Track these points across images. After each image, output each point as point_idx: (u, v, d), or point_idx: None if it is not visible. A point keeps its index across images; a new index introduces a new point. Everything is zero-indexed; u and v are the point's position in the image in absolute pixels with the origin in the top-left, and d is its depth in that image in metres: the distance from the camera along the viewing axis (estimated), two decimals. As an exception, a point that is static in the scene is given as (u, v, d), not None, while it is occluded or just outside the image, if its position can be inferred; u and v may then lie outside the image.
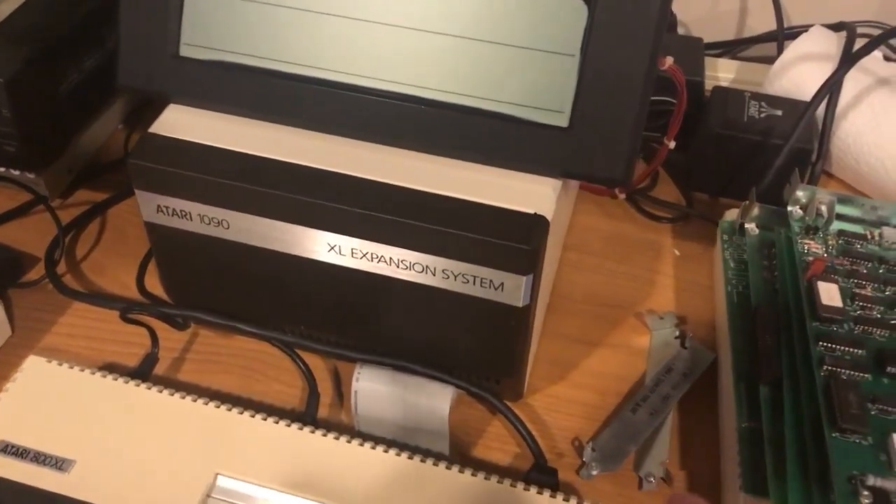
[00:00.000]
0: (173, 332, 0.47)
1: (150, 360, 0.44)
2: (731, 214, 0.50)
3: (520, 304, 0.37)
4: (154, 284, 0.49)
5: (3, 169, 0.51)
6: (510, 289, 0.37)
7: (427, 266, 0.38)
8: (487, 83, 0.37)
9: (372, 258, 0.38)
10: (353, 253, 0.38)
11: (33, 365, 0.41)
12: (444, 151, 0.38)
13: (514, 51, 0.36)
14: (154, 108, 0.59)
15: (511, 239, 0.35)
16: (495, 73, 0.37)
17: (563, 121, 0.37)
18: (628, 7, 0.35)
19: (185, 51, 0.40)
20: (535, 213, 0.36)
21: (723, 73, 0.64)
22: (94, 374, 0.41)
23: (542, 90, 0.36)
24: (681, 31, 0.68)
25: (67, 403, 0.40)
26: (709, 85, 0.62)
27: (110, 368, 0.46)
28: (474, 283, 0.37)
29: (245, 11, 0.38)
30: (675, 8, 0.66)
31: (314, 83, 0.38)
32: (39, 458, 0.37)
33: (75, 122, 0.52)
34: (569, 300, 0.51)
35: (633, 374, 0.47)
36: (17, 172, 0.52)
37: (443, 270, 0.37)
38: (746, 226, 0.47)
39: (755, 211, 0.47)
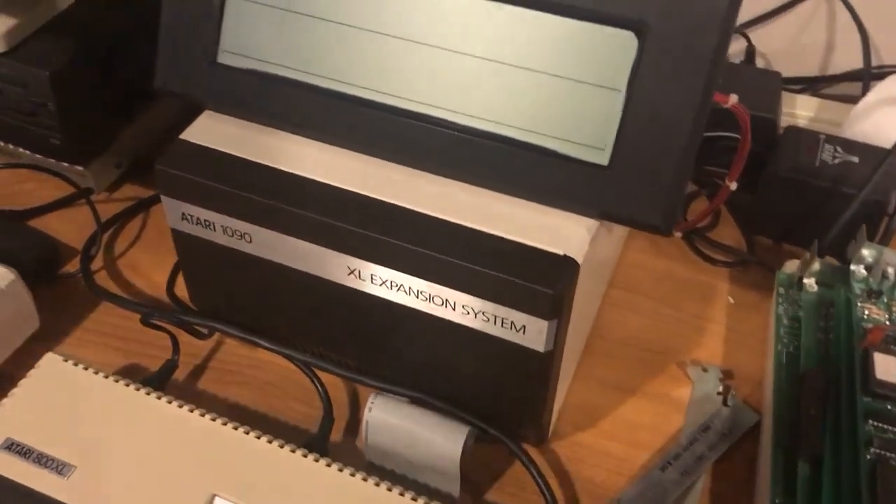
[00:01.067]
0: (196, 342, 0.46)
1: (170, 367, 0.43)
2: (791, 266, 0.46)
3: (542, 350, 0.35)
4: (184, 290, 0.49)
5: (53, 161, 0.51)
6: (532, 332, 0.35)
7: (447, 300, 0.36)
8: (527, 113, 0.35)
9: (391, 286, 0.37)
10: (372, 279, 0.37)
11: (49, 363, 0.41)
12: (478, 181, 0.36)
13: (557, 81, 0.34)
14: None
15: (536, 281, 0.33)
16: (536, 104, 0.35)
17: (603, 158, 0.34)
18: (682, 43, 0.32)
19: (223, 57, 0.39)
20: (565, 255, 0.34)
21: (801, 110, 0.60)
22: (107, 378, 0.40)
23: (584, 125, 0.34)
24: (759, 63, 0.65)
25: (77, 407, 0.39)
26: (786, 121, 0.58)
27: (130, 370, 0.45)
28: (495, 323, 0.35)
29: (287, 22, 0.37)
30: (755, 38, 0.62)
31: (351, 100, 0.37)
32: (41, 460, 0.37)
33: (124, 118, 0.52)
34: (609, 341, 0.48)
35: (668, 427, 0.44)
36: (66, 164, 0.52)
37: (463, 306, 0.35)
38: (805, 281, 0.44)
39: (815, 266, 0.44)
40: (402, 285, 0.36)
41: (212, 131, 0.39)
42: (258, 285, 0.40)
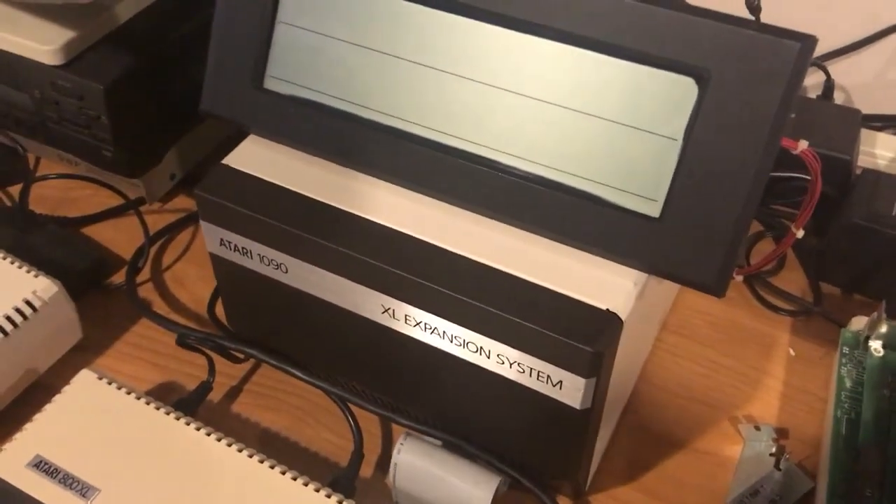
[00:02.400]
0: (231, 365, 0.45)
1: (204, 389, 0.43)
2: (858, 323, 0.43)
3: (578, 407, 0.33)
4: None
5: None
6: (569, 388, 0.33)
7: (482, 347, 0.34)
8: (578, 158, 0.33)
9: (425, 328, 0.35)
10: (406, 319, 0.35)
11: (83, 380, 0.41)
12: (522, 224, 0.35)
13: (612, 126, 0.32)
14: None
15: (575, 337, 0.31)
16: (588, 148, 0.33)
17: (655, 210, 0.32)
18: (745, 93, 0.30)
19: (269, 83, 0.38)
20: (608, 310, 0.32)
21: (882, 149, 0.57)
22: (139, 399, 0.40)
23: (637, 173, 0.32)
24: (838, 98, 0.61)
25: (107, 427, 0.39)
26: (864, 160, 0.55)
27: (166, 388, 0.45)
28: (531, 375, 0.34)
29: (335, 50, 0.36)
30: (835, 73, 0.59)
31: (396, 134, 0.36)
32: (67, 481, 0.37)
33: (177, 131, 0.52)
34: (658, 389, 0.46)
35: (715, 487, 0.42)
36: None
37: (498, 355, 0.34)
38: (871, 343, 0.41)
39: (883, 328, 0.41)
40: (436, 328, 0.35)
41: (254, 157, 0.38)
42: (293, 315, 0.40)
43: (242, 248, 0.38)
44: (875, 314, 0.41)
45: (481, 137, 0.34)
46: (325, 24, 0.36)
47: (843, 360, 0.41)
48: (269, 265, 0.38)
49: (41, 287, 0.43)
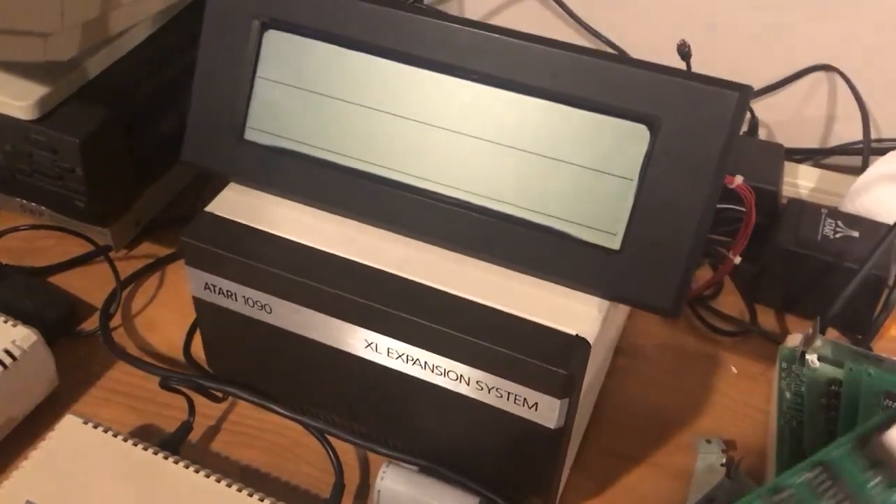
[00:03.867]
0: (211, 404, 0.47)
1: (185, 428, 0.44)
2: (793, 340, 0.47)
3: (552, 427, 0.36)
4: (200, 349, 0.50)
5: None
6: (544, 410, 0.36)
7: (461, 375, 0.37)
8: (542, 197, 0.36)
9: (407, 360, 0.38)
10: (388, 352, 0.38)
11: (69, 425, 0.42)
12: (493, 259, 0.37)
13: (572, 168, 0.36)
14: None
15: (549, 361, 0.34)
16: (551, 188, 0.36)
17: (614, 243, 0.35)
18: (693, 137, 0.34)
19: (249, 134, 0.40)
20: (577, 335, 0.35)
21: (803, 180, 0.62)
22: (126, 441, 0.41)
23: (597, 210, 0.36)
24: (762, 133, 0.66)
25: (96, 470, 0.40)
26: (787, 191, 0.60)
27: (145, 431, 0.46)
28: (507, 399, 0.36)
29: (312, 102, 0.39)
30: (758, 110, 0.64)
31: (371, 179, 0.38)
32: (60, 525, 0.38)
33: (146, 179, 0.53)
34: (614, 410, 0.49)
35: (674, 498, 0.45)
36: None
37: (477, 381, 0.37)
38: (808, 357, 0.45)
39: (818, 342, 0.45)
40: (417, 359, 0.37)
41: (236, 204, 0.40)
42: (276, 353, 0.41)
43: (227, 291, 0.40)
44: (810, 331, 0.45)
45: (452, 180, 0.37)
46: (301, 79, 0.39)
47: (783, 374, 0.45)
48: (253, 306, 0.40)
49: (20, 336, 0.44)
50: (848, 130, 0.64)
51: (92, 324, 0.52)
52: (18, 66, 0.46)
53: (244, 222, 0.39)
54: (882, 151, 0.58)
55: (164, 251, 0.56)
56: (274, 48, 0.39)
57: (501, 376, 0.36)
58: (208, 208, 0.40)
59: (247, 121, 0.40)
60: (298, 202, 0.40)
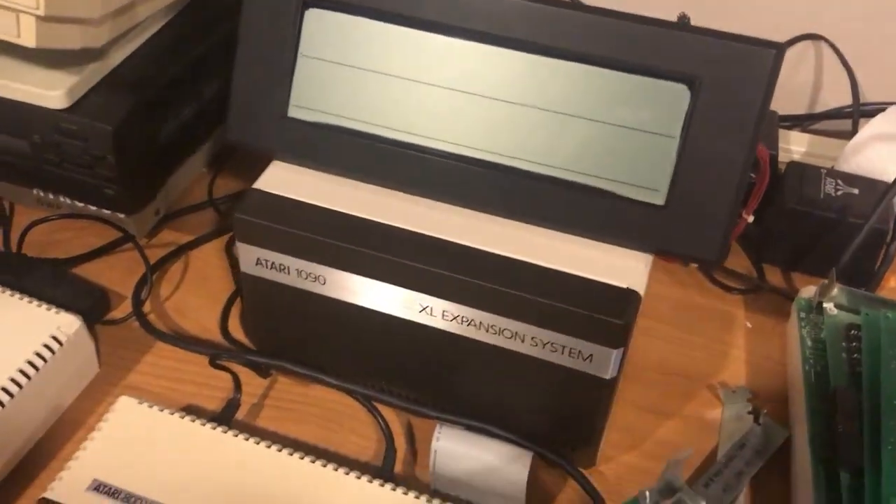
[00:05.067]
0: (253, 377, 0.48)
1: (233, 405, 0.45)
2: (808, 292, 0.50)
3: (607, 377, 0.38)
4: (234, 328, 0.51)
5: (94, 208, 0.53)
6: (599, 361, 0.38)
7: (517, 332, 0.38)
8: (589, 159, 0.38)
9: (462, 321, 0.39)
10: (444, 315, 0.39)
11: (124, 405, 0.42)
12: (541, 222, 0.39)
13: (617, 129, 0.37)
14: (236, 153, 0.61)
15: (604, 312, 0.36)
16: (597, 150, 0.38)
17: (659, 199, 0.37)
18: (733, 94, 0.36)
19: (293, 112, 0.41)
20: (628, 288, 0.37)
21: (794, 145, 0.64)
22: (182, 417, 0.42)
23: (642, 169, 0.37)
24: (754, 102, 0.69)
25: (157, 445, 0.41)
26: (781, 156, 0.62)
27: (191, 410, 0.47)
28: (563, 353, 0.38)
29: (354, 78, 0.40)
30: (749, 80, 0.66)
31: (417, 150, 0.40)
32: (130, 500, 0.38)
33: (169, 167, 0.54)
34: (640, 368, 0.51)
35: (704, 447, 0.47)
36: (106, 212, 0.53)
37: (532, 338, 0.38)
38: (825, 305, 0.48)
39: (834, 291, 0.48)
40: (472, 320, 0.39)
41: (283, 180, 0.41)
42: (327, 325, 0.43)
43: (280, 265, 0.41)
44: (824, 282, 0.48)
45: (500, 147, 0.39)
46: (343, 55, 0.40)
47: (802, 324, 0.48)
48: (306, 278, 0.41)
49: (65, 322, 0.45)
50: (833, 96, 0.67)
51: (122, 311, 0.52)
52: (45, 55, 0.47)
53: (294, 197, 0.40)
54: (870, 114, 0.61)
55: (184, 238, 0.57)
56: (315, 26, 0.40)
57: (558, 331, 0.37)
58: (256, 185, 0.41)
59: (290, 98, 0.41)
60: (345, 176, 0.41)
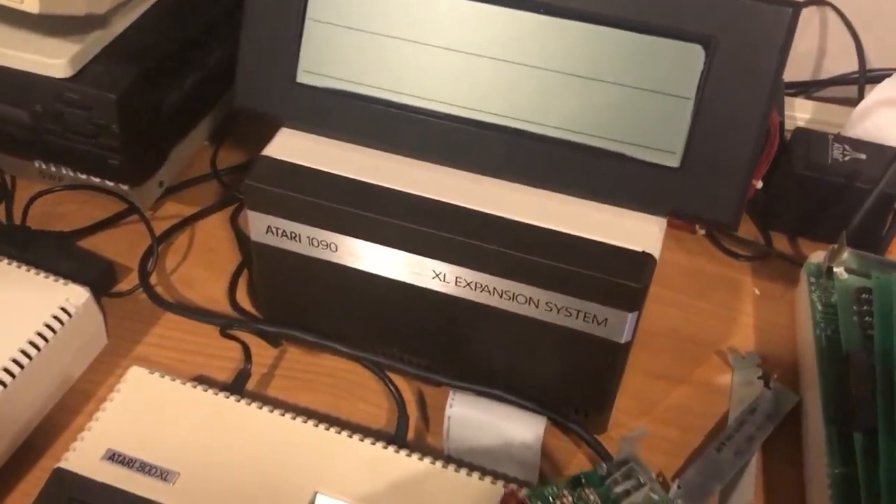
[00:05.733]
0: (262, 348, 0.48)
1: (244, 375, 0.45)
2: (817, 257, 0.50)
3: (622, 341, 0.38)
4: (242, 299, 0.51)
5: (97, 180, 0.52)
6: (614, 325, 0.37)
7: (530, 298, 0.38)
8: (602, 122, 0.38)
9: (475, 287, 0.39)
10: (457, 281, 0.39)
11: (136, 375, 0.42)
12: (555, 186, 0.39)
13: (631, 91, 0.37)
14: (239, 126, 0.61)
15: (620, 276, 0.36)
16: (611, 112, 0.37)
17: (674, 161, 0.37)
18: (748, 54, 0.35)
19: (302, 77, 0.41)
20: (643, 251, 0.37)
21: (799, 112, 0.64)
22: (194, 387, 0.42)
23: (656, 130, 0.37)
24: (759, 69, 0.68)
25: (170, 415, 0.40)
26: (787, 123, 0.62)
27: (201, 381, 0.47)
28: (577, 317, 0.38)
29: (363, 42, 0.39)
30: (754, 47, 0.66)
31: (429, 114, 0.39)
32: (145, 469, 0.38)
33: (173, 138, 0.53)
34: (650, 335, 0.51)
35: (715, 412, 0.47)
36: (110, 184, 0.53)
37: (546, 303, 0.38)
38: (835, 269, 0.48)
39: (845, 255, 0.47)
40: (486, 286, 0.39)
41: (293, 147, 0.41)
42: (338, 293, 0.42)
43: (291, 232, 0.40)
44: (836, 245, 0.48)
45: (513, 111, 0.38)
46: (351, 18, 0.39)
47: (812, 288, 0.48)
48: (318, 246, 0.40)
49: (73, 294, 0.44)
50: (839, 63, 0.67)
51: (128, 284, 0.52)
52: (47, 23, 0.46)
53: (304, 164, 0.40)
54: (877, 80, 0.61)
55: (188, 210, 0.56)
56: (323, -10, 0.39)
57: (572, 295, 0.37)
58: (266, 152, 0.41)
59: (299, 63, 0.40)
60: (355, 143, 0.41)
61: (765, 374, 0.48)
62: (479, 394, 0.42)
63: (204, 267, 0.53)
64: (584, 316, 0.38)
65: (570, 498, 0.33)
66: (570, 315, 0.38)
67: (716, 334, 0.51)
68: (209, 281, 0.52)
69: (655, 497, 0.33)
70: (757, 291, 0.54)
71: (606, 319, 0.37)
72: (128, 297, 0.51)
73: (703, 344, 0.51)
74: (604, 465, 0.34)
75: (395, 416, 0.45)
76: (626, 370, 0.48)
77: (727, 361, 0.49)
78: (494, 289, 0.38)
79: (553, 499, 0.33)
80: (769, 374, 0.48)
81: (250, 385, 0.47)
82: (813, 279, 0.48)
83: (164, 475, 0.38)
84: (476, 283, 0.39)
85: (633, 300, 0.36)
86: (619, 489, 0.33)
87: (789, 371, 0.49)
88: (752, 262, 0.56)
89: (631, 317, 0.37)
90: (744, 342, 0.51)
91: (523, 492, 0.32)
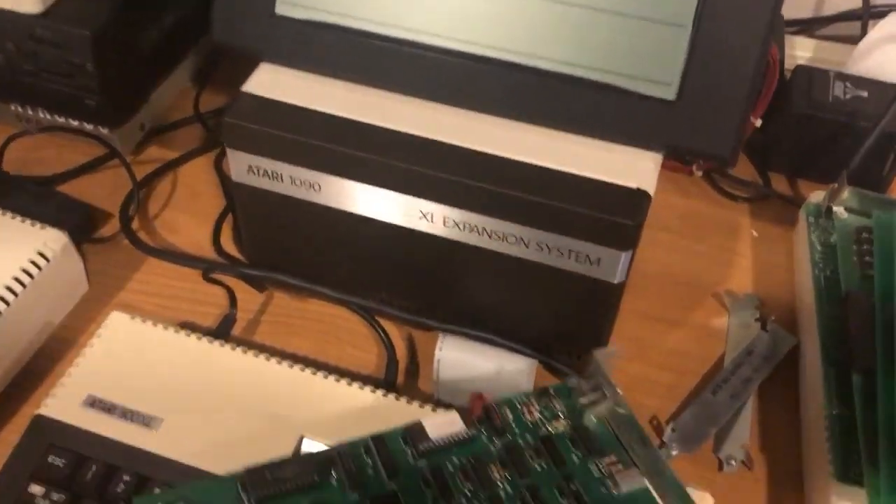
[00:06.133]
0: (249, 294, 0.47)
1: (229, 320, 0.44)
2: (817, 197, 0.48)
3: (615, 281, 0.37)
4: (227, 243, 0.49)
5: (76, 123, 0.51)
6: (607, 264, 0.36)
7: (521, 238, 0.37)
8: (593, 52, 0.36)
9: (464, 228, 0.38)
10: (445, 222, 0.38)
11: (116, 320, 0.41)
12: (545, 122, 0.37)
13: (623, 19, 0.35)
14: (223, 67, 0.59)
15: (614, 213, 0.35)
16: (602, 42, 0.36)
17: (670, 93, 0.36)
18: (748, -22, 0.34)
19: (280, 8, 0.39)
20: (638, 188, 0.36)
21: (800, 51, 0.62)
22: (177, 332, 0.41)
23: (651, 61, 0.35)
24: (759, 6, 0.66)
25: (151, 360, 0.39)
26: (787, 62, 0.60)
27: (186, 327, 0.46)
28: (569, 257, 0.37)
29: (344, -30, 0.38)
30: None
31: (411, 46, 0.38)
32: (126, 414, 0.37)
33: (152, 79, 0.52)
34: (645, 277, 0.50)
35: (711, 355, 0.46)
36: (90, 127, 0.51)
37: (538, 243, 0.37)
38: (835, 209, 0.46)
39: (845, 194, 0.46)
40: (476, 226, 0.37)
41: (273, 83, 0.39)
42: (323, 235, 0.41)
43: (273, 172, 0.39)
44: (835, 184, 0.47)
45: (500, 42, 0.37)
46: (333, -52, 0.38)
47: (811, 229, 0.47)
48: (300, 186, 0.39)
49: (51, 238, 0.43)
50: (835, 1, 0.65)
51: (110, 230, 0.50)
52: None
53: (285, 100, 0.38)
54: (881, 16, 0.59)
55: (171, 154, 0.55)
56: (302, -85, 0.38)
57: (565, 234, 0.36)
58: (245, 88, 0.39)
59: (278, -5, 0.39)
60: (338, 77, 0.39)
61: (762, 317, 0.47)
62: (470, 337, 0.41)
63: (187, 212, 0.52)
64: (577, 256, 0.36)
65: (536, 406, 0.32)
66: (562, 255, 0.37)
67: (713, 277, 0.50)
68: (193, 226, 0.51)
69: (622, 411, 0.32)
70: (755, 233, 0.53)
71: (599, 259, 0.36)
72: (110, 243, 0.50)
73: (699, 287, 0.50)
74: (574, 379, 0.34)
75: (384, 362, 0.44)
76: (621, 313, 0.47)
77: (724, 304, 0.48)
78: (484, 229, 0.37)
79: (520, 405, 0.32)
80: (766, 316, 0.47)
81: (236, 331, 0.46)
82: (812, 219, 0.47)
83: (146, 421, 0.37)
84: (465, 224, 0.37)
85: (626, 239, 0.35)
86: (584, 400, 0.33)
87: (787, 313, 0.48)
88: (751, 203, 0.54)
89: (624, 256, 0.36)
90: (741, 285, 0.50)
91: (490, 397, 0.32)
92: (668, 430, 0.42)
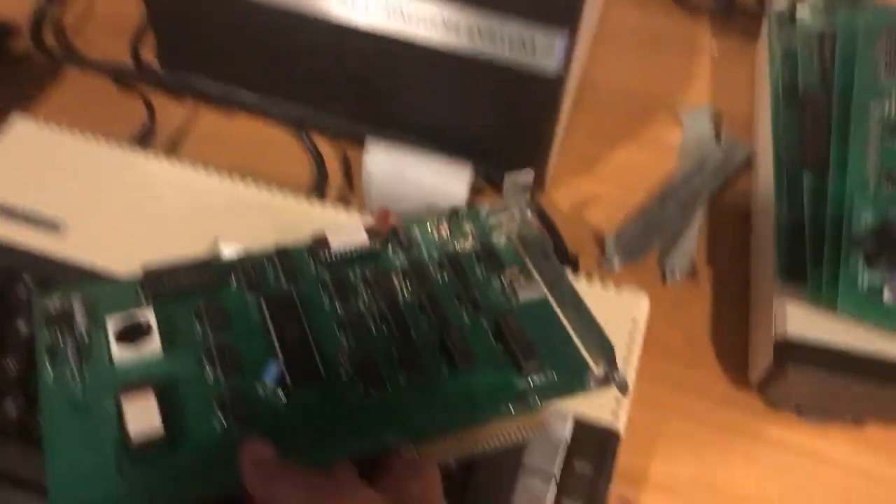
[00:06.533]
0: (171, 109, 0.43)
1: (147, 132, 0.41)
2: (781, 4, 0.45)
3: (552, 68, 0.34)
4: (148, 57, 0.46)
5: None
6: (543, 48, 0.33)
7: (449, 21, 0.34)
8: None
9: (389, 15, 0.34)
10: (367, 7, 0.34)
11: (20, 125, 0.38)
12: None
13: None
14: None
15: (550, -15, 0.31)
16: None
17: None
18: None
19: None
20: (576, -41, 0.32)
21: None
22: (87, 140, 0.38)
23: None
24: None
25: (58, 165, 0.37)
26: None
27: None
28: (502, 42, 0.34)
29: None
30: None
31: None
32: (30, 219, 0.35)
33: None
34: (597, 93, 0.47)
35: (663, 171, 0.44)
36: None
37: (467, 27, 0.34)
38: (798, 16, 0.43)
39: (809, -4, 0.43)
40: (399, 10, 0.34)
41: None
42: (240, 34, 0.38)
43: (178, -46, 0.35)
44: (801, -16, 0.43)
45: None
46: None
47: (773, 37, 0.43)
48: (209, -30, 0.35)
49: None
50: None
51: (17, 45, 0.46)
52: None
53: None
54: None
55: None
56: None
57: (496, 8, 0.33)
58: None
59: None
60: None
61: (716, 127, 0.45)
62: (403, 147, 0.39)
63: (103, 24, 0.48)
64: (510, 40, 0.33)
65: (446, 225, 0.30)
66: (495, 41, 0.34)
67: (668, 91, 0.47)
68: (111, 42, 0.47)
69: (529, 232, 0.30)
70: (715, 47, 0.50)
71: (535, 41, 0.33)
72: (19, 59, 0.46)
73: (653, 102, 0.47)
74: (486, 205, 0.32)
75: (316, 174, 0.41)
76: (570, 131, 0.45)
77: (678, 119, 0.46)
78: (410, 14, 0.34)
79: (430, 226, 0.30)
80: (720, 128, 0.44)
81: (158, 145, 0.43)
82: (776, 26, 0.44)
83: (52, 225, 0.35)
84: (387, 8, 0.34)
85: (563, 13, 0.32)
86: (493, 220, 0.31)
87: (744, 128, 0.46)
88: (712, 17, 0.51)
89: (561, 37, 0.33)
90: (698, 99, 0.47)
91: (398, 217, 0.30)
92: (609, 241, 0.40)
